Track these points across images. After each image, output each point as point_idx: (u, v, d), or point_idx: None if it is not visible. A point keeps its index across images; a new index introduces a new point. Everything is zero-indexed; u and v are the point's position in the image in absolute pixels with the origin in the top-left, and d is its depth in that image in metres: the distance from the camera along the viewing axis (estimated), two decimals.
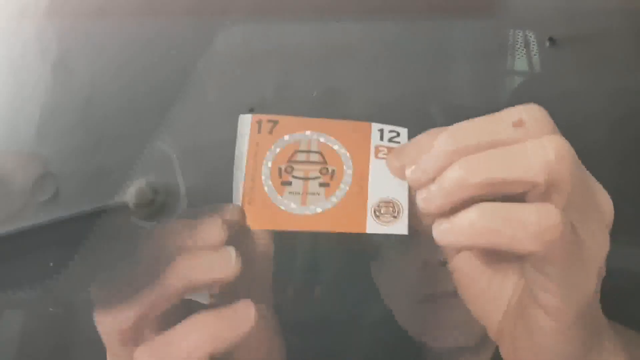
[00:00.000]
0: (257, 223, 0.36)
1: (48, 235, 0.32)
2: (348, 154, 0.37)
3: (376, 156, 0.37)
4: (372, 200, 0.36)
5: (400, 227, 0.35)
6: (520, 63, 0.52)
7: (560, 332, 0.31)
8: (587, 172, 0.32)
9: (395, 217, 0.35)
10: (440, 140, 0.31)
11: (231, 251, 0.33)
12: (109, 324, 0.33)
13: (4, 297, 0.32)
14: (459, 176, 0.30)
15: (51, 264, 0.32)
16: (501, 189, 0.30)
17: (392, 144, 0.37)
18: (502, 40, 0.52)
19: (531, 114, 0.30)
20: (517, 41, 0.52)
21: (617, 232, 0.32)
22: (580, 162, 0.31)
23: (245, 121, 0.38)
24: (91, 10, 0.47)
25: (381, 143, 0.37)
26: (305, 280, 0.45)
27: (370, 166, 0.37)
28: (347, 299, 0.45)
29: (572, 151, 0.30)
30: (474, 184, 0.29)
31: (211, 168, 0.39)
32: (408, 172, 0.33)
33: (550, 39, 0.47)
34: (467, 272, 0.35)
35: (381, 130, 0.38)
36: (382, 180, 0.36)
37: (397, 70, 0.46)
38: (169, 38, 0.47)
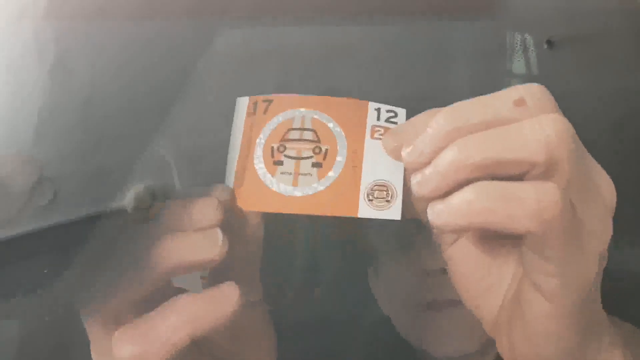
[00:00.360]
0: (246, 204, 0.36)
1: (45, 240, 0.32)
2: (343, 133, 0.36)
3: (372, 136, 0.36)
4: (365, 182, 0.35)
5: (393, 212, 0.34)
6: (518, 65, 0.52)
7: (558, 318, 0.30)
8: (587, 153, 0.31)
9: (388, 201, 0.34)
10: (437, 120, 0.30)
11: (218, 232, 0.33)
12: (91, 305, 0.33)
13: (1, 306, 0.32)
14: (454, 158, 0.29)
15: (45, 271, 0.32)
16: (499, 169, 0.29)
17: (389, 124, 0.36)
18: (500, 42, 0.52)
19: (532, 92, 0.30)
20: (515, 43, 0.52)
21: (618, 233, 0.31)
22: (580, 142, 0.30)
23: (242, 103, 0.37)
24: (90, 11, 0.47)
25: (378, 123, 0.36)
26: (303, 281, 0.45)
27: (365, 146, 0.36)
28: (346, 301, 0.45)
29: (572, 130, 0.29)
30: (469, 165, 0.29)
31: (210, 169, 0.39)
32: (404, 153, 0.32)
33: (548, 41, 0.47)
34: (463, 261, 0.34)
35: (378, 110, 0.36)
36: (377, 162, 0.35)
37: (395, 72, 0.46)
38: (168, 39, 0.47)
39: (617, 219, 0.31)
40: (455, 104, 0.31)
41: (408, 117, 0.36)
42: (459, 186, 0.29)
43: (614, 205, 0.31)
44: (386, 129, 0.36)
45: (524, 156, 0.28)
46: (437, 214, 0.30)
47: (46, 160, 0.38)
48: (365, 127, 0.36)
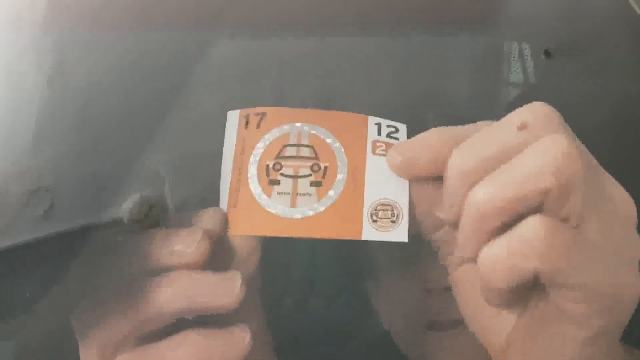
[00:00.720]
0: (242, 228, 0.33)
1: (41, 251, 0.32)
2: (342, 149, 0.34)
3: (374, 152, 0.34)
4: (368, 202, 0.33)
5: (399, 233, 0.32)
6: (515, 75, 0.52)
7: (593, 341, 0.29)
8: (600, 167, 0.31)
9: (394, 221, 0.32)
10: (452, 166, 0.30)
11: (238, 277, 0.32)
12: (87, 331, 0.32)
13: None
14: (475, 219, 0.29)
15: (38, 287, 0.31)
16: (518, 206, 0.28)
17: (390, 140, 0.34)
18: (498, 52, 0.52)
19: (534, 113, 0.29)
20: (513, 53, 0.52)
21: None
22: (591, 156, 0.30)
23: (233, 117, 0.36)
24: (87, 21, 0.47)
25: (379, 138, 0.34)
26: (302, 293, 0.45)
27: (366, 162, 0.34)
28: (346, 314, 0.44)
29: (578, 146, 0.29)
30: (492, 217, 0.28)
31: (206, 180, 0.38)
32: (441, 215, 0.32)
33: (546, 51, 0.47)
34: (469, 285, 0.33)
35: (378, 125, 0.35)
36: (380, 179, 0.33)
37: (393, 82, 0.46)
38: (165, 49, 0.47)
39: None
40: (465, 144, 0.30)
41: (408, 132, 0.35)
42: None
43: (635, 216, 0.30)
44: (388, 144, 0.34)
45: (536, 186, 0.28)
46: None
47: (43, 170, 0.38)
48: (365, 142, 0.34)
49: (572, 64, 0.49)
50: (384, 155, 0.34)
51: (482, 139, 0.30)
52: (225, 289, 0.32)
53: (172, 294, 0.31)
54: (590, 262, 0.28)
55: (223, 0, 0.49)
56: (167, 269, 0.32)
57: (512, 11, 0.51)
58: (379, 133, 0.34)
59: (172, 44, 0.47)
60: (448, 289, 0.35)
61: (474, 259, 0.30)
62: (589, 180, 0.29)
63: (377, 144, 0.34)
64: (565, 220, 0.28)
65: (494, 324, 0.33)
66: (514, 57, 0.52)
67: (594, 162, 0.30)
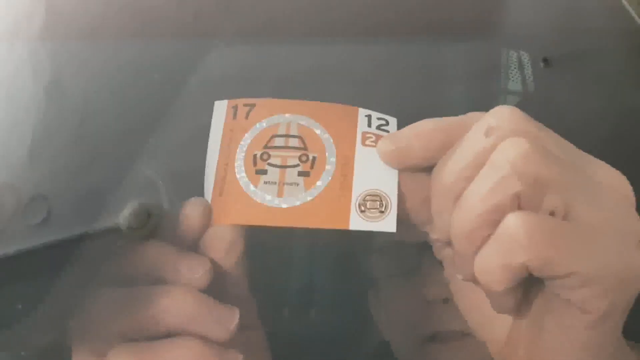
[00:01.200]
0: (228, 217, 0.33)
1: (38, 259, 0.32)
2: (331, 140, 0.34)
3: (363, 143, 0.34)
4: (357, 192, 0.32)
5: (388, 223, 0.32)
6: (514, 83, 0.52)
7: (599, 326, 0.29)
8: (582, 153, 0.31)
9: (382, 212, 0.32)
10: (434, 181, 0.31)
11: (236, 312, 0.32)
12: (80, 336, 0.32)
13: None
14: (462, 241, 0.29)
15: (35, 294, 0.31)
16: (497, 215, 0.28)
17: (380, 132, 0.34)
18: (497, 60, 0.52)
19: (497, 117, 0.30)
20: (512, 61, 0.52)
21: None
22: (568, 145, 0.30)
23: (221, 107, 0.35)
24: (84, 32, 0.47)
25: (369, 130, 0.34)
26: (299, 302, 0.45)
27: (356, 153, 0.33)
28: (344, 323, 0.44)
29: (544, 140, 0.29)
30: (476, 235, 0.29)
31: (200, 190, 0.38)
32: (434, 235, 0.32)
33: (545, 60, 0.47)
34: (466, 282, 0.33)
35: (369, 117, 0.34)
36: (369, 170, 0.33)
37: (391, 91, 0.46)
38: (162, 59, 0.47)
39: None
40: (442, 159, 0.31)
41: (399, 126, 0.35)
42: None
43: (631, 195, 0.30)
44: (377, 136, 0.34)
45: (505, 194, 0.28)
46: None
47: (40, 178, 0.38)
48: (355, 134, 0.34)
49: (571, 73, 0.49)
50: (373, 146, 0.33)
51: (456, 153, 0.31)
52: (223, 321, 0.32)
53: (174, 308, 0.31)
54: (582, 247, 0.28)
55: (220, 11, 0.49)
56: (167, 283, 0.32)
57: (511, 20, 0.51)
58: (369, 125, 0.34)
59: (169, 53, 0.47)
60: (448, 300, 0.35)
61: (474, 279, 0.30)
62: (567, 168, 0.29)
63: (367, 135, 0.34)
64: (551, 213, 0.28)
65: (495, 318, 0.33)
66: (513, 65, 0.52)
67: (573, 150, 0.30)
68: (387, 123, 0.34)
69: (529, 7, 0.52)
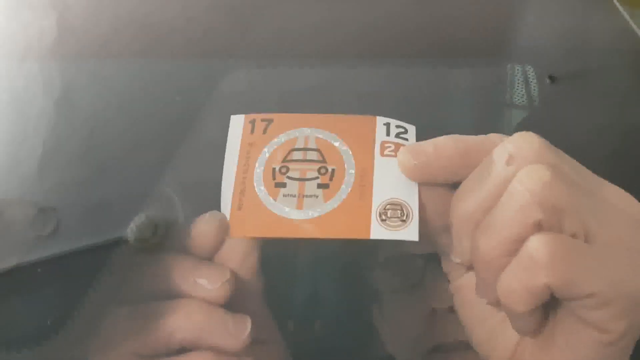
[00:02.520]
0: (247, 230, 0.33)
1: (47, 271, 0.32)
2: (350, 151, 0.34)
3: (382, 154, 0.33)
4: (377, 201, 0.32)
5: (410, 232, 0.31)
6: (520, 99, 0.52)
7: (614, 344, 0.29)
8: (593, 176, 0.31)
9: (404, 220, 0.31)
10: (454, 210, 0.31)
11: (248, 321, 0.32)
12: (102, 352, 0.32)
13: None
14: (483, 266, 0.30)
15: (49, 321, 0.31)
16: (518, 243, 0.28)
17: (399, 140, 0.34)
18: (502, 77, 0.53)
19: (517, 145, 0.30)
20: (517, 78, 0.53)
21: None
22: (584, 170, 0.30)
23: (237, 122, 0.35)
24: (94, 50, 0.48)
25: (387, 139, 0.34)
26: (305, 316, 0.44)
27: (375, 164, 0.33)
28: (349, 337, 0.44)
29: (562, 166, 0.29)
30: (497, 261, 0.29)
31: (213, 206, 0.38)
32: (455, 259, 0.32)
33: (550, 77, 0.48)
34: (473, 293, 0.33)
35: (387, 125, 0.34)
36: (389, 180, 0.33)
37: (397, 106, 0.46)
38: (171, 76, 0.47)
39: None
40: (462, 188, 0.31)
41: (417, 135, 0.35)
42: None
43: None
44: (397, 144, 0.34)
45: (526, 222, 0.28)
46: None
47: (49, 191, 0.38)
48: (374, 144, 0.34)
49: (577, 90, 0.49)
50: (392, 156, 0.33)
51: (476, 180, 0.31)
52: (235, 331, 0.32)
53: (184, 323, 0.31)
54: (601, 268, 0.28)
55: (230, 29, 0.50)
56: (184, 297, 0.32)
57: (518, 37, 0.51)
58: (388, 133, 0.34)
59: (177, 72, 0.48)
60: (452, 310, 0.35)
61: (497, 302, 0.30)
62: (583, 192, 0.29)
63: (386, 144, 0.34)
64: (572, 236, 0.28)
65: (500, 334, 0.33)
66: (519, 81, 0.52)
67: (587, 173, 0.31)
68: (406, 131, 0.34)
69: (535, 25, 0.52)
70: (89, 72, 0.47)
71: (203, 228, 0.33)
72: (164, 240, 0.33)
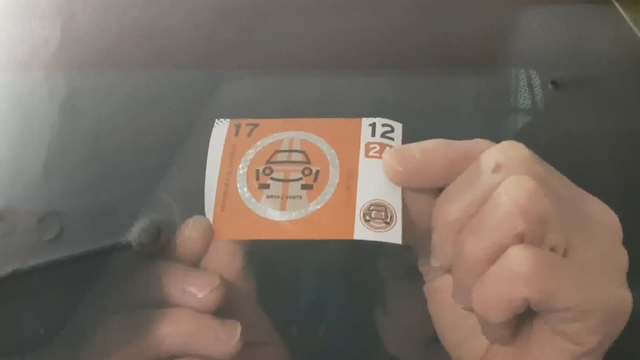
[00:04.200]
0: (231, 233, 0.33)
1: (50, 275, 0.32)
2: (335, 153, 0.33)
3: (367, 155, 0.33)
4: (361, 202, 0.32)
5: (393, 235, 0.31)
6: (523, 105, 0.52)
7: (585, 355, 0.29)
8: (578, 189, 0.31)
9: (387, 222, 0.31)
10: (438, 214, 0.31)
11: (237, 327, 0.32)
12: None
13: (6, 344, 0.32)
14: (463, 271, 0.30)
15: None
16: (499, 251, 0.28)
17: (384, 140, 0.33)
18: (506, 82, 0.53)
19: (505, 154, 0.30)
20: (521, 84, 0.53)
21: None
22: (566, 182, 0.30)
23: (222, 125, 0.35)
24: (99, 57, 0.48)
25: (372, 139, 0.33)
26: (307, 319, 0.44)
27: (359, 166, 0.33)
28: (351, 339, 0.44)
29: (546, 177, 0.29)
30: (477, 267, 0.29)
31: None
32: (435, 263, 0.32)
33: (553, 82, 0.48)
34: (447, 296, 0.33)
35: (373, 125, 0.34)
36: (374, 181, 0.32)
37: (401, 113, 0.47)
38: (174, 85, 0.47)
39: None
40: (447, 193, 0.31)
41: (403, 131, 0.34)
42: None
43: (619, 229, 0.30)
44: (382, 144, 0.33)
45: (510, 232, 0.28)
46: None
47: (53, 196, 0.38)
48: (359, 145, 0.33)
49: (580, 96, 0.49)
50: (377, 157, 0.33)
51: (462, 185, 0.31)
52: (224, 338, 0.31)
53: (172, 332, 0.31)
54: (579, 282, 0.28)
55: (233, 40, 0.50)
56: (175, 305, 0.32)
57: (521, 43, 0.51)
58: (373, 134, 0.34)
59: (181, 81, 0.48)
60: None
61: (472, 308, 0.30)
62: (567, 205, 0.29)
63: (371, 145, 0.33)
64: (552, 250, 0.29)
65: (473, 337, 0.33)
66: (523, 87, 0.52)
67: (573, 188, 0.31)
68: (392, 129, 0.34)
69: (539, 31, 0.52)
70: (94, 81, 0.47)
71: (188, 233, 0.33)
72: (167, 244, 0.33)
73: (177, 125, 0.44)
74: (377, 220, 0.31)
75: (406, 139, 0.34)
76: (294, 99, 0.47)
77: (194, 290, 0.32)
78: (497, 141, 0.32)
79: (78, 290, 0.33)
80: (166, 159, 0.42)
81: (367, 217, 0.31)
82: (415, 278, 0.36)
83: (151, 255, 0.33)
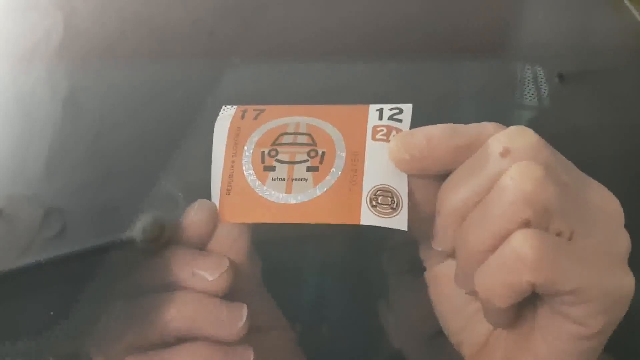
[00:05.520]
0: (236, 216, 0.33)
1: (54, 272, 0.32)
2: (341, 135, 0.33)
3: (373, 138, 0.33)
4: (367, 187, 0.31)
5: (399, 221, 0.31)
6: (529, 99, 0.52)
7: (593, 337, 0.29)
8: (581, 174, 0.31)
9: (393, 208, 0.31)
10: (443, 200, 0.31)
11: (244, 309, 0.32)
12: (96, 346, 0.32)
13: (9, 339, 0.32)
14: (467, 257, 0.30)
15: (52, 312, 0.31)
16: (504, 237, 0.28)
17: (392, 122, 0.33)
18: (511, 76, 0.52)
19: (513, 139, 0.29)
20: (527, 77, 0.52)
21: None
22: (570, 166, 0.30)
23: (228, 111, 0.35)
24: (100, 50, 0.48)
25: (379, 123, 0.33)
26: (310, 316, 0.44)
27: (366, 148, 0.32)
28: (356, 337, 0.44)
29: (551, 162, 0.29)
30: (482, 254, 0.29)
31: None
32: (437, 247, 0.32)
33: (559, 75, 0.47)
34: (449, 283, 0.33)
35: (380, 110, 0.34)
36: (380, 165, 0.32)
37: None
38: (176, 76, 0.47)
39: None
40: (452, 179, 0.31)
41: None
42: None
43: (622, 214, 0.30)
44: (389, 127, 0.33)
45: (515, 218, 0.28)
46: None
47: (55, 192, 0.38)
48: (365, 129, 0.33)
49: (586, 89, 0.49)
50: (384, 140, 0.32)
51: (468, 169, 0.30)
52: (230, 320, 0.31)
53: (177, 315, 0.31)
54: (582, 267, 0.28)
55: (235, 30, 0.50)
56: (184, 289, 0.32)
57: (527, 36, 0.51)
58: (380, 117, 0.33)
59: (183, 72, 0.48)
60: None
61: (475, 293, 0.30)
62: (571, 192, 0.29)
63: (378, 128, 0.33)
64: (557, 234, 0.28)
65: (474, 323, 0.33)
66: (528, 80, 0.52)
67: (578, 174, 0.30)
68: (401, 111, 0.34)
69: (545, 24, 0.52)
70: (96, 74, 0.47)
71: (194, 217, 0.33)
72: (171, 240, 0.33)
73: (180, 118, 0.44)
74: (384, 205, 0.31)
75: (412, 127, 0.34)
76: (299, 88, 0.47)
77: (204, 273, 0.32)
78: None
79: (82, 284, 0.33)
80: (170, 151, 0.41)
81: (374, 202, 0.31)
82: (418, 273, 0.36)
83: (155, 250, 0.33)
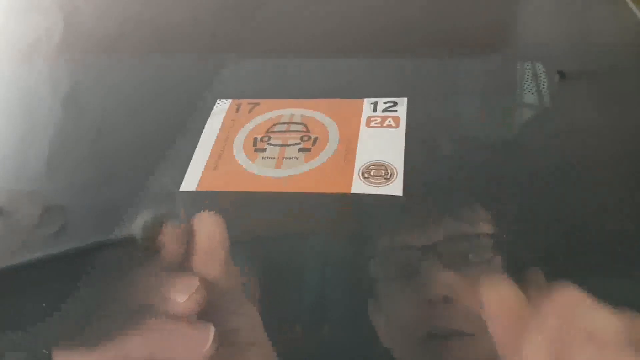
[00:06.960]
0: (220, 185, 0.33)
1: (53, 268, 0.32)
2: (335, 124, 0.34)
3: (367, 125, 0.34)
4: (360, 163, 0.32)
5: (393, 188, 0.31)
6: (529, 96, 0.52)
7: None
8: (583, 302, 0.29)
9: (387, 179, 0.31)
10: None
11: (211, 330, 0.31)
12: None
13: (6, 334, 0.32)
14: None
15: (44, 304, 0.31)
16: None
17: (387, 114, 0.34)
18: (512, 73, 0.52)
19: None
20: (527, 74, 0.52)
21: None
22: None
23: (223, 105, 0.36)
24: (101, 47, 0.48)
25: (374, 114, 0.35)
26: (306, 319, 0.44)
27: (359, 134, 0.34)
28: (350, 337, 0.44)
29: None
30: None
31: None
32: None
33: (560, 72, 0.47)
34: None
35: (375, 103, 0.35)
36: (373, 145, 0.33)
37: (408, 99, 0.46)
38: (177, 74, 0.47)
39: (624, 254, 0.30)
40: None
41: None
42: None
43: (622, 332, 0.28)
44: (383, 117, 0.34)
45: None
46: None
47: (55, 190, 0.38)
48: (360, 119, 0.34)
49: (586, 87, 0.49)
50: (378, 127, 0.33)
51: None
52: (196, 343, 0.30)
53: (140, 343, 0.30)
54: None
55: (235, 29, 0.50)
56: (157, 311, 0.32)
57: (527, 34, 0.51)
58: (375, 109, 0.35)
59: (183, 68, 0.48)
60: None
61: None
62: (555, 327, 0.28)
63: (372, 119, 0.34)
64: None
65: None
66: (529, 77, 0.52)
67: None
68: (396, 104, 0.35)
69: (545, 22, 0.52)
70: (97, 72, 0.47)
71: (201, 226, 0.32)
72: (170, 238, 0.32)
73: (181, 115, 0.44)
74: (377, 177, 0.31)
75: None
76: (297, 84, 0.47)
77: (174, 296, 0.31)
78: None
79: (81, 282, 0.33)
80: (170, 148, 0.41)
81: (366, 175, 0.32)
82: (408, 277, 0.36)
83: (154, 248, 0.33)
